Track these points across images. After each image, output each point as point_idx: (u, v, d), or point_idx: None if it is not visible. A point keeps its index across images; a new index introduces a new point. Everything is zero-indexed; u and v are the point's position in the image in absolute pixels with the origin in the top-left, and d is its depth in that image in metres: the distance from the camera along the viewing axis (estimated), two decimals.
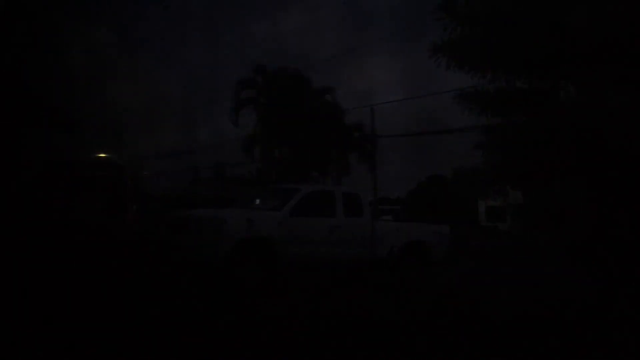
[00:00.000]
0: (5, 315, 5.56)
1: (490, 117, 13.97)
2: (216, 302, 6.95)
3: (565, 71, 11.98)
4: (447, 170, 38.88)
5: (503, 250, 19.84)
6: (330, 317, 6.23)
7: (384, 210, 26.31)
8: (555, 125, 11.72)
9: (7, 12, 11.64)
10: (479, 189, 34.93)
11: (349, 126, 25.96)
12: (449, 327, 5.85)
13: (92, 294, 6.76)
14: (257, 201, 9.99)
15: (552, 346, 5.23)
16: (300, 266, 8.63)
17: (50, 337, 4.92)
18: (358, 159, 26.38)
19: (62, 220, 8.66)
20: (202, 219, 8.42)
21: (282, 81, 24.48)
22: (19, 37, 11.76)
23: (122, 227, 9.33)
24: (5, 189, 9.04)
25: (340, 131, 25.27)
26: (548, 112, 12.14)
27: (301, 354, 4.84)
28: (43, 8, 12.38)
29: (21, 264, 7.64)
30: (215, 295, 7.39)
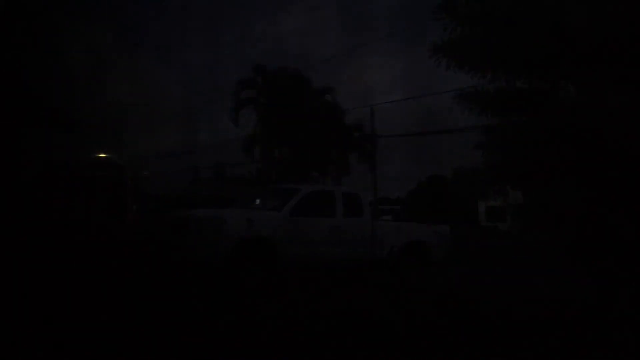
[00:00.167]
0: (6, 315, 5.56)
1: (490, 117, 13.96)
2: (216, 302, 6.95)
3: (565, 71, 11.97)
4: (447, 170, 38.95)
5: (503, 250, 19.85)
6: (330, 317, 6.23)
7: (384, 210, 26.34)
8: (555, 125, 11.71)
9: (7, 12, 11.64)
10: (479, 189, 34.94)
11: (349, 126, 25.97)
12: (449, 327, 5.85)
13: (92, 294, 6.77)
14: (257, 201, 9.99)
15: (552, 346, 5.23)
16: (300, 266, 8.63)
17: (50, 337, 4.92)
18: (358, 159, 26.41)
19: (62, 220, 8.66)
20: (202, 219, 8.42)
21: (282, 81, 24.50)
22: (19, 37, 11.76)
23: (122, 227, 9.34)
24: (5, 189, 9.03)
25: (340, 131, 25.28)
26: (548, 112, 12.13)
27: (301, 354, 4.84)
28: (43, 8, 12.39)
29: (21, 264, 7.65)
30: (215, 295, 7.39)
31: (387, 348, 5.05)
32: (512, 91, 13.28)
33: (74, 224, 8.67)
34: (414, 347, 5.11)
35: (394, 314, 6.56)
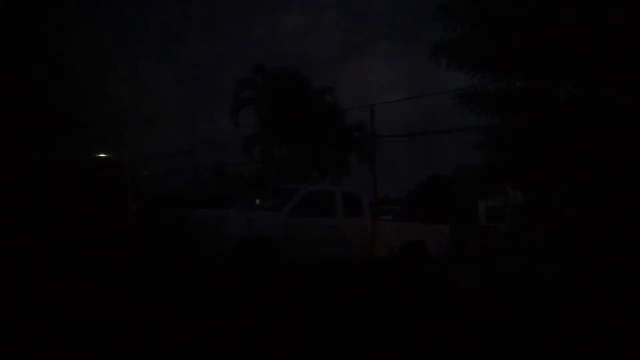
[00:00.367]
0: (6, 315, 5.56)
1: (490, 117, 13.97)
2: (216, 301, 6.94)
3: (565, 71, 11.97)
4: (447, 170, 38.97)
5: (503, 250, 19.85)
6: (330, 317, 6.23)
7: (384, 210, 26.33)
8: (555, 125, 11.71)
9: (8, 12, 11.64)
10: (479, 189, 34.93)
11: (349, 126, 25.98)
12: (449, 327, 5.85)
13: (92, 294, 6.77)
14: (257, 201, 9.99)
15: (552, 346, 5.23)
16: (300, 266, 8.63)
17: (50, 337, 4.92)
18: (358, 159, 26.43)
19: (62, 220, 8.67)
20: (202, 219, 8.41)
21: (282, 81, 24.52)
22: (20, 37, 11.76)
23: (122, 227, 9.34)
24: (5, 189, 9.03)
25: (340, 131, 25.29)
26: (548, 112, 12.13)
27: (301, 353, 4.84)
28: (43, 8, 12.39)
29: (21, 264, 7.65)
30: (215, 295, 7.39)
31: (387, 348, 5.05)
32: (512, 91, 13.28)
33: (73, 224, 8.67)
34: (414, 347, 5.11)
35: (394, 314, 6.56)
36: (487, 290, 9.04)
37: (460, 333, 5.58)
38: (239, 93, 24.78)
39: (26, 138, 11.77)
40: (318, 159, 25.20)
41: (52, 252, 8.03)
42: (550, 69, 12.10)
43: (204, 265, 7.98)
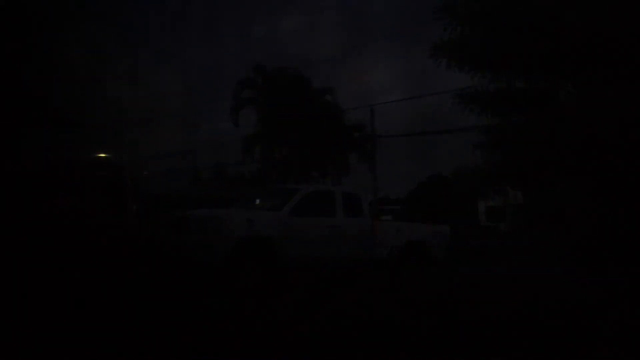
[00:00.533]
0: (6, 315, 5.56)
1: (490, 117, 13.99)
2: (216, 301, 6.95)
3: (565, 71, 11.99)
4: (447, 170, 38.94)
5: (503, 250, 19.84)
6: (330, 317, 6.23)
7: (384, 210, 26.32)
8: (555, 125, 11.72)
9: (7, 11, 11.64)
10: (479, 189, 34.90)
11: (349, 126, 25.98)
12: (449, 327, 5.85)
13: (92, 294, 6.77)
14: (257, 201, 9.99)
15: (552, 346, 5.23)
16: (300, 266, 8.63)
17: (50, 337, 4.92)
18: (358, 159, 26.42)
19: (62, 220, 8.65)
20: (202, 219, 8.42)
21: (282, 81, 24.52)
22: (19, 36, 11.76)
23: (122, 227, 9.33)
24: (5, 189, 9.03)
25: (340, 131, 25.29)
26: (548, 112, 12.14)
27: (301, 354, 4.84)
28: (43, 8, 12.38)
29: (21, 265, 7.64)
30: (215, 295, 7.39)
31: (387, 348, 5.05)
32: (512, 91, 13.30)
33: (73, 224, 8.66)
34: (414, 347, 5.11)
35: (394, 314, 6.56)
36: (487, 290, 9.04)
37: (461, 333, 5.58)
38: (239, 93, 24.80)
39: (26, 138, 11.76)
40: (318, 159, 25.20)
41: (52, 252, 8.02)
42: (550, 69, 12.12)
43: (204, 265, 7.98)
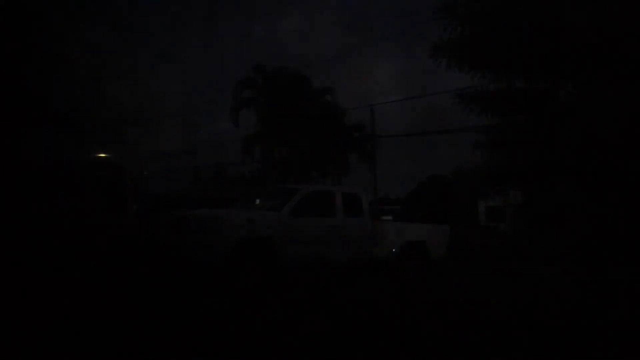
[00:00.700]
0: (6, 315, 5.56)
1: (490, 117, 14.00)
2: (216, 301, 6.95)
3: (565, 71, 11.99)
4: (447, 170, 38.93)
5: (503, 250, 19.83)
6: (330, 317, 6.23)
7: (384, 210, 26.31)
8: (555, 125, 11.73)
9: (8, 11, 11.64)
10: (479, 189, 34.88)
11: (349, 126, 25.97)
12: (449, 327, 5.85)
13: (92, 294, 6.77)
14: (257, 201, 9.99)
15: (552, 346, 5.23)
16: (300, 266, 8.63)
17: (50, 337, 4.92)
18: (358, 159, 26.41)
19: (62, 220, 8.65)
20: (202, 219, 8.42)
21: (282, 81, 24.51)
22: (19, 36, 11.76)
23: (121, 227, 9.32)
24: (5, 189, 9.03)
25: (340, 131, 25.28)
26: (548, 112, 12.15)
27: (301, 354, 4.84)
28: (43, 8, 12.38)
29: (21, 265, 7.64)
30: (215, 295, 7.39)
31: (387, 348, 5.05)
32: (512, 91, 13.31)
33: (73, 224, 8.66)
34: (414, 347, 5.11)
35: (394, 314, 6.56)
36: (487, 290, 9.05)
37: (460, 333, 5.58)
38: (239, 93, 24.78)
39: (26, 138, 11.75)
40: (318, 159, 25.20)
41: (52, 252, 8.02)
42: (550, 69, 12.12)
43: (204, 265, 7.98)
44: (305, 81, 25.12)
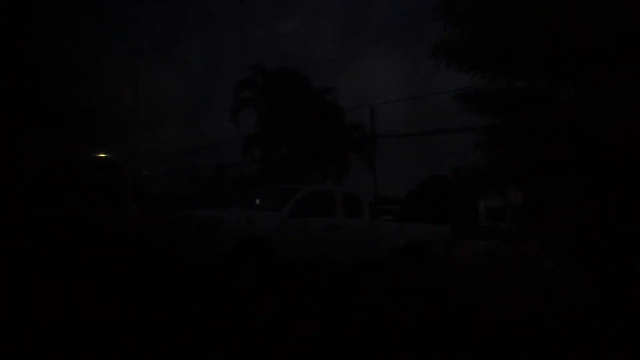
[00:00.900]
0: (6, 314, 5.56)
1: (490, 117, 13.99)
2: (216, 302, 6.94)
3: (565, 71, 11.98)
4: (447, 170, 38.95)
5: (502, 250, 19.83)
6: (330, 317, 6.23)
7: (384, 210, 26.31)
8: (555, 125, 11.72)
9: (8, 11, 11.64)
10: (479, 189, 34.88)
11: (349, 126, 25.97)
12: (449, 327, 5.85)
13: (92, 294, 6.77)
14: (257, 201, 9.99)
15: (552, 346, 5.23)
16: (300, 266, 8.62)
17: (50, 336, 4.92)
18: (358, 159, 26.40)
19: (62, 219, 8.66)
20: (202, 219, 8.41)
21: (282, 81, 24.51)
22: (20, 37, 11.76)
23: (121, 226, 9.34)
24: (6, 189, 9.04)
25: (340, 131, 25.27)
26: (548, 112, 12.14)
27: (301, 353, 4.84)
28: (43, 8, 12.39)
29: (22, 264, 7.65)
30: (214, 295, 7.39)
31: (387, 348, 5.05)
32: (512, 91, 13.30)
33: (73, 223, 8.67)
34: (414, 347, 5.11)
35: (394, 314, 6.56)
36: (487, 290, 9.04)
37: (460, 333, 5.58)
38: (238, 93, 24.79)
39: (26, 138, 11.76)
40: (318, 159, 25.19)
41: (52, 251, 8.03)
42: (550, 69, 12.11)
43: (204, 265, 7.98)
44: (305, 81, 25.12)
